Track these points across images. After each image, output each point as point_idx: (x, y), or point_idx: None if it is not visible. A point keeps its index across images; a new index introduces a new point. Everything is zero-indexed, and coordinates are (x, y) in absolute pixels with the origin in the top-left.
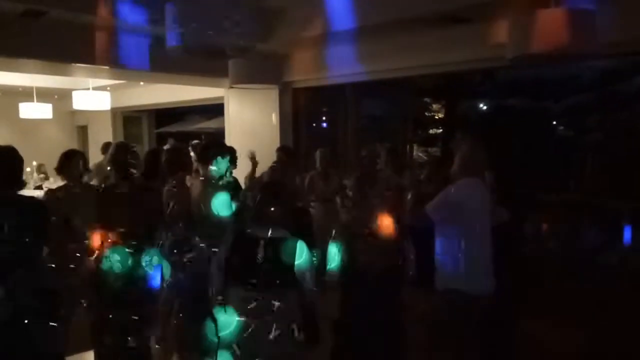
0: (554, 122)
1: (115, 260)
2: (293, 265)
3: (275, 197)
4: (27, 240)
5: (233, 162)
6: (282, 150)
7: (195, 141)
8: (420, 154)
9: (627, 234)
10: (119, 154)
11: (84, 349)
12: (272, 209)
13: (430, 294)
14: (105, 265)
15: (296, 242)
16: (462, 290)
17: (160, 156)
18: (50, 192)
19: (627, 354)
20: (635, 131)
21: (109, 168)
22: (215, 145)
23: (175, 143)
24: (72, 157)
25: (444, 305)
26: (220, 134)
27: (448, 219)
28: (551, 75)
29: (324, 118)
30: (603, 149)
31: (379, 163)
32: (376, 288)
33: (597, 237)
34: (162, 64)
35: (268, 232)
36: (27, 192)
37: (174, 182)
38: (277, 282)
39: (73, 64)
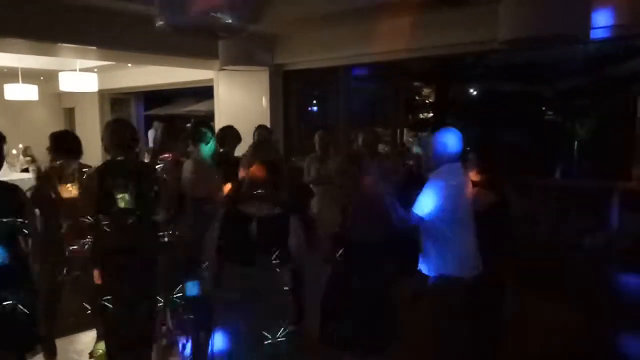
0: (544, 107)
1: None
2: (286, 242)
3: (267, 174)
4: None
5: (224, 141)
6: (264, 128)
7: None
8: (410, 139)
9: (615, 216)
10: (121, 131)
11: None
12: (265, 185)
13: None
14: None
15: (288, 219)
16: (451, 275)
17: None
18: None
19: (611, 331)
20: (627, 115)
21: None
22: (203, 125)
23: (162, 124)
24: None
25: (435, 290)
26: (209, 116)
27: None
28: (543, 59)
29: (314, 101)
30: (594, 133)
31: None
32: (369, 263)
33: (585, 219)
34: (151, 44)
35: (260, 209)
36: (15, 175)
37: (165, 160)
38: (270, 259)
39: (59, 44)
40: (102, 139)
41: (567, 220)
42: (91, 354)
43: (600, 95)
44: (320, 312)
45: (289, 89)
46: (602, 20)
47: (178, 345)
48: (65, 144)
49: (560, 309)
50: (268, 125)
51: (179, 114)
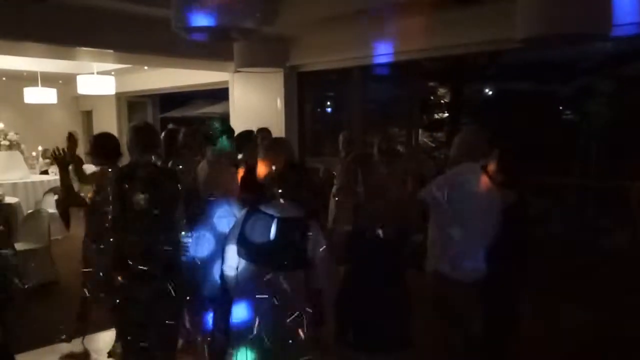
0: (560, 106)
1: None
2: (305, 244)
3: (289, 176)
4: None
5: (243, 141)
6: (267, 132)
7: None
8: (426, 140)
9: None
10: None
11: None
12: (287, 186)
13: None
14: None
15: (309, 223)
16: (446, 274)
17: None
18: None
19: (630, 334)
20: None
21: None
22: (218, 125)
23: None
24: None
25: (431, 287)
26: (225, 119)
27: (442, 203)
28: (559, 57)
29: (329, 102)
30: (610, 132)
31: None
32: (380, 262)
33: (604, 219)
34: (167, 47)
35: (281, 211)
36: (34, 177)
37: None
38: (289, 261)
39: (77, 48)
40: (126, 143)
41: (585, 219)
42: (110, 354)
43: (618, 93)
44: (334, 312)
45: (303, 91)
46: (623, 17)
47: (195, 345)
48: (105, 147)
49: (578, 311)
50: (283, 127)
51: (195, 116)
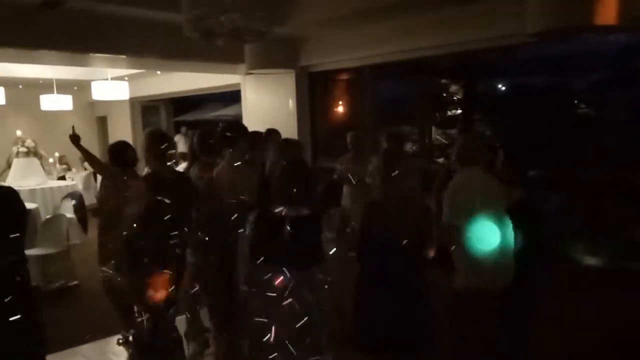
0: (576, 100)
1: None
2: (318, 242)
3: (298, 175)
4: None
5: (256, 143)
6: (276, 133)
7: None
8: (439, 137)
9: None
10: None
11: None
12: (296, 186)
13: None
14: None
15: (320, 219)
16: (475, 287)
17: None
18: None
19: None
20: None
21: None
22: (235, 128)
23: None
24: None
25: (459, 302)
26: (237, 121)
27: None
28: (573, 50)
29: (340, 102)
30: (625, 125)
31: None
32: (400, 263)
33: (621, 213)
34: (179, 51)
35: (291, 210)
36: (52, 182)
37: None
38: (303, 259)
39: (91, 54)
40: (142, 149)
41: (606, 213)
42: (119, 341)
43: (633, 85)
44: (352, 315)
45: (315, 91)
46: (636, 9)
47: (209, 345)
48: (123, 155)
49: (600, 313)
50: (295, 127)
51: (207, 119)
